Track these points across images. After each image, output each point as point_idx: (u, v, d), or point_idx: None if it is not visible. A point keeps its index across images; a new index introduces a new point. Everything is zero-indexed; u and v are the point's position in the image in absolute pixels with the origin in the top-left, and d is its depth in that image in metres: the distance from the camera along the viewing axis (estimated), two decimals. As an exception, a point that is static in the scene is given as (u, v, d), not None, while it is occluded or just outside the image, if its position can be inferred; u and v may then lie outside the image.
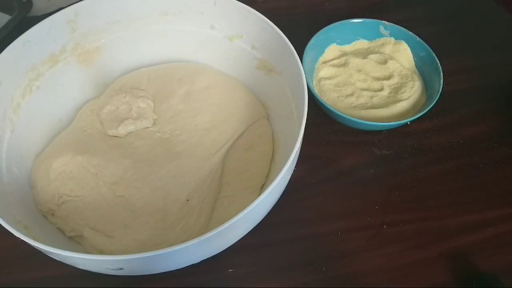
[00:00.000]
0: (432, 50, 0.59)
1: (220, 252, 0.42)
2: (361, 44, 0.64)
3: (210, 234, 0.36)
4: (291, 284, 0.46)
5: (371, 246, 0.48)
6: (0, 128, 0.46)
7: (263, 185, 0.50)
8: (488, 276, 0.45)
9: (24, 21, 0.62)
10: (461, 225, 0.50)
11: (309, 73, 0.59)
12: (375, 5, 0.73)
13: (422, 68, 0.61)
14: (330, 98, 0.58)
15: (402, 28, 0.62)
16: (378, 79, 0.60)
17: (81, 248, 0.45)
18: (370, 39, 0.64)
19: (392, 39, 0.63)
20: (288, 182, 0.45)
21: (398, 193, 0.52)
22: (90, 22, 0.53)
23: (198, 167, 0.49)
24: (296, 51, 0.47)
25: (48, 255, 0.37)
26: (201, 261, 0.41)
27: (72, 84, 0.54)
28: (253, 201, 0.36)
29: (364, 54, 0.63)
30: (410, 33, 0.62)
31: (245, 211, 0.36)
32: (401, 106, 0.57)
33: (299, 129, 0.41)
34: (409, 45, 0.62)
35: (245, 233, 0.43)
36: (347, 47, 0.64)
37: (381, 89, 0.58)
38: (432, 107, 0.54)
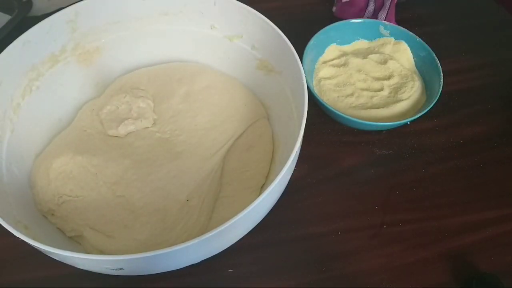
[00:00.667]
0: (432, 50, 0.59)
1: (220, 252, 0.42)
2: (361, 44, 0.64)
3: (210, 234, 0.36)
4: (291, 284, 0.46)
5: (371, 246, 0.48)
6: (0, 128, 0.46)
7: (263, 185, 0.50)
8: (488, 276, 0.45)
9: (24, 21, 0.62)
10: (461, 225, 0.50)
11: (309, 73, 0.59)
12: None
13: (422, 68, 0.61)
14: (330, 98, 0.58)
15: (402, 28, 0.62)
16: (378, 79, 0.60)
17: (81, 248, 0.45)
18: (370, 39, 0.64)
19: (392, 39, 0.63)
20: (288, 182, 0.45)
21: (398, 193, 0.52)
22: (90, 22, 0.53)
23: (198, 167, 0.49)
24: (296, 51, 0.47)
25: (48, 255, 0.37)
26: (201, 261, 0.41)
27: (72, 84, 0.54)
28: (253, 201, 0.36)
29: (364, 54, 0.63)
30: (410, 33, 0.62)
31: (245, 211, 0.36)
32: (401, 106, 0.57)
33: (299, 129, 0.41)
34: (409, 45, 0.62)
35: (245, 233, 0.43)
36: (347, 47, 0.64)
37: (381, 89, 0.58)
38: (432, 107, 0.54)
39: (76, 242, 0.46)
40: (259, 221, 0.43)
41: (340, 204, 0.51)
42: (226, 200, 0.48)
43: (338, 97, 0.58)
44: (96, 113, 0.53)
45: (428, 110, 0.54)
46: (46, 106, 0.51)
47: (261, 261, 0.47)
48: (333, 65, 0.61)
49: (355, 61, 0.61)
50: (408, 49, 0.62)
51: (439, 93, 0.55)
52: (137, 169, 0.48)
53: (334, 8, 0.70)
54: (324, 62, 0.62)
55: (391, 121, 0.54)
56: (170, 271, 0.42)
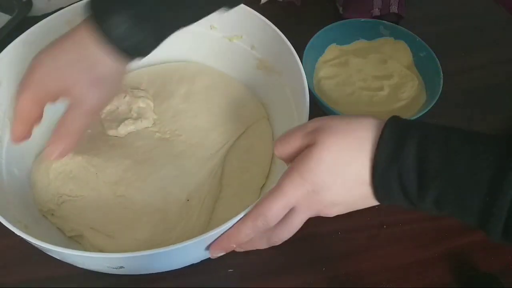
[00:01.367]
0: (432, 50, 0.59)
1: (220, 252, 0.42)
2: (361, 44, 0.64)
3: (210, 234, 0.36)
4: (291, 284, 0.46)
5: (371, 246, 0.48)
6: (0, 129, 0.46)
7: (263, 185, 0.50)
8: (488, 276, 0.45)
9: (24, 21, 0.62)
10: (461, 225, 0.50)
11: (309, 73, 0.59)
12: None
13: (422, 68, 0.61)
14: (330, 98, 0.58)
15: (402, 28, 0.62)
16: (378, 78, 0.60)
17: (81, 247, 0.45)
18: (370, 39, 0.64)
19: (392, 39, 0.63)
20: (288, 182, 0.45)
21: (398, 193, 0.52)
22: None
23: (199, 167, 0.49)
24: (296, 51, 0.47)
25: (48, 253, 0.37)
26: (201, 261, 0.41)
27: (72, 84, 0.54)
28: (253, 201, 0.36)
29: (364, 54, 0.63)
30: (410, 33, 0.62)
31: (245, 212, 0.36)
32: (401, 105, 0.57)
33: None
34: (409, 45, 0.62)
35: None
36: (347, 47, 0.64)
37: (381, 89, 0.58)
38: (432, 107, 0.54)
39: (76, 242, 0.46)
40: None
41: (340, 204, 0.51)
42: (226, 200, 0.48)
43: (338, 97, 0.58)
44: None
45: (428, 110, 0.54)
46: (46, 106, 0.51)
47: (261, 261, 0.47)
48: (333, 65, 0.61)
49: (355, 61, 0.61)
50: (408, 49, 0.62)
51: (439, 93, 0.55)
52: (137, 169, 0.48)
53: (340, 9, 0.69)
54: (324, 62, 0.62)
55: (391, 121, 0.54)
56: (170, 271, 0.42)
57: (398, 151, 0.31)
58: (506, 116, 0.60)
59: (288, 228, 0.36)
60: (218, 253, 0.38)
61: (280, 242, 0.37)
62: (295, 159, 0.35)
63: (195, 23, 0.41)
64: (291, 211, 0.35)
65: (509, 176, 0.28)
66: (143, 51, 0.38)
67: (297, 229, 0.36)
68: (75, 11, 0.50)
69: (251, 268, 0.46)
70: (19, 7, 0.63)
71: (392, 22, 0.64)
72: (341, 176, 0.33)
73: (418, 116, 0.53)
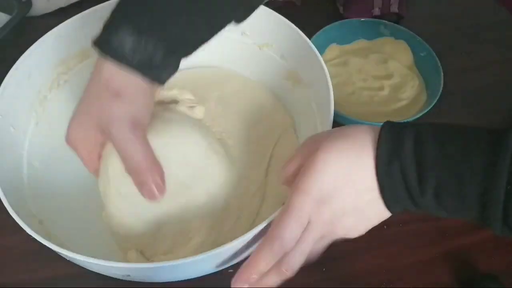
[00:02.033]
0: (433, 50, 0.59)
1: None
2: (361, 43, 0.64)
3: (216, 251, 0.36)
4: (290, 284, 0.45)
5: (371, 246, 0.48)
6: (25, 120, 0.47)
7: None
8: (488, 276, 0.45)
9: (24, 21, 0.62)
10: (461, 225, 0.50)
11: (309, 73, 0.59)
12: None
13: (422, 68, 0.61)
14: (330, 98, 0.58)
15: (402, 27, 0.62)
16: (378, 78, 0.60)
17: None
18: (370, 38, 0.64)
19: (393, 38, 0.63)
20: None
21: (398, 193, 0.52)
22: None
23: (249, 179, 0.48)
24: (297, 51, 0.46)
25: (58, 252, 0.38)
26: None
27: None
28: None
29: (364, 53, 0.63)
30: (410, 32, 0.62)
31: (257, 228, 0.36)
32: (401, 105, 0.57)
33: None
34: (409, 45, 0.62)
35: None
36: (347, 47, 0.64)
37: (381, 89, 0.58)
38: (433, 107, 0.54)
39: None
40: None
41: (340, 204, 0.51)
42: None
43: (338, 96, 0.58)
44: None
45: (428, 110, 0.54)
46: (73, 101, 0.50)
47: (261, 261, 0.47)
48: (334, 65, 0.61)
49: (355, 61, 0.61)
50: (408, 48, 0.62)
51: (439, 93, 0.55)
52: None
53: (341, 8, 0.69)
54: (325, 62, 0.62)
55: (391, 121, 0.54)
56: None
57: (398, 147, 0.32)
58: (506, 116, 0.60)
59: (301, 249, 0.33)
60: (241, 285, 0.34)
61: (292, 270, 0.34)
62: (299, 173, 0.35)
63: (227, 28, 0.40)
64: (303, 231, 0.34)
65: (501, 159, 0.29)
66: (160, 66, 0.37)
67: (309, 249, 0.34)
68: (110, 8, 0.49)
69: (251, 268, 0.46)
70: (19, 7, 0.63)
71: (392, 22, 0.64)
72: (347, 178, 0.33)
73: (418, 116, 0.53)
